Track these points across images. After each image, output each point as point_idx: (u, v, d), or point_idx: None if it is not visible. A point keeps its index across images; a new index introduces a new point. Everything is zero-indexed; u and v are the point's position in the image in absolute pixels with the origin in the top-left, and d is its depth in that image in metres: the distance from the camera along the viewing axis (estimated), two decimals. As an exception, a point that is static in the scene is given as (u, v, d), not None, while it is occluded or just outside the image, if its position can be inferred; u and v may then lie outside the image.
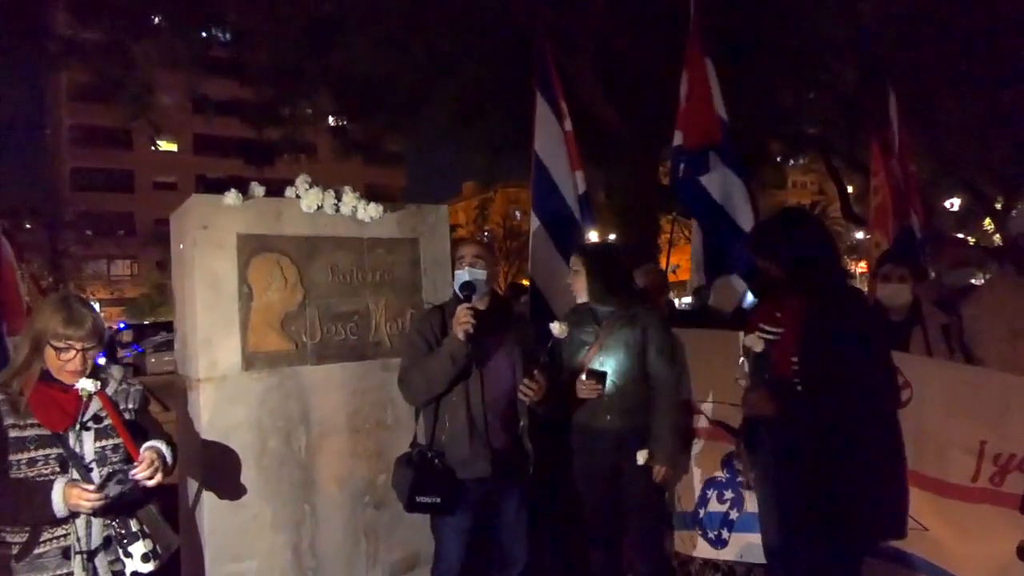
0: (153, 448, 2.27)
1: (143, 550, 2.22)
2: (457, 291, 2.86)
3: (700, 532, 3.63)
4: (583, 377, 3.19)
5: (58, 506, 2.09)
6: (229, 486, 2.95)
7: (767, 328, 2.65)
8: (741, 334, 2.83)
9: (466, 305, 2.75)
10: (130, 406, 2.40)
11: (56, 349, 2.21)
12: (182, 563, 3.00)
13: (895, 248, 4.83)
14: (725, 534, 3.55)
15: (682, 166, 4.63)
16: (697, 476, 3.62)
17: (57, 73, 20.90)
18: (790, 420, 2.54)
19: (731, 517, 3.53)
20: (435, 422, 2.84)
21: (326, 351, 3.23)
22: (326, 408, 3.21)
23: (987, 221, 21.74)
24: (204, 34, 8.19)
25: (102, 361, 2.43)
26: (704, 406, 3.59)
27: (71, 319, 2.22)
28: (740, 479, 3.34)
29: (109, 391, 2.35)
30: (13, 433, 2.17)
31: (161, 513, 2.39)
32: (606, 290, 3.27)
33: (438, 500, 2.75)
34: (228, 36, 8.48)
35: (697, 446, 3.62)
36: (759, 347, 2.61)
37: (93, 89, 8.80)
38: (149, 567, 2.23)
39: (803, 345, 2.50)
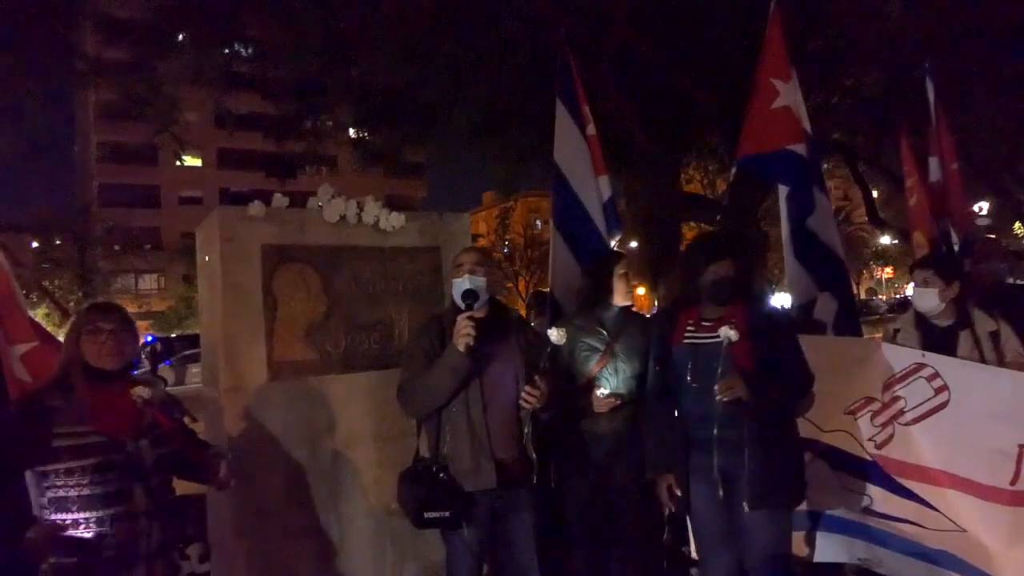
0: (222, 455, 2.42)
1: (199, 550, 2.30)
2: (458, 300, 2.77)
3: None
4: (598, 394, 3.18)
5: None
6: (257, 494, 2.97)
7: (700, 332, 2.90)
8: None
9: (466, 315, 2.68)
10: (176, 415, 2.47)
11: (90, 333, 2.31)
12: (211, 571, 3.01)
13: (931, 252, 4.71)
14: None
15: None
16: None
17: (85, 91, 21.35)
18: (757, 404, 2.78)
19: None
20: (437, 434, 2.81)
21: (351, 360, 3.25)
22: (351, 417, 3.23)
23: (1016, 225, 21.39)
24: (226, 50, 8.29)
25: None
26: None
27: (96, 307, 2.42)
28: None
29: (156, 400, 2.41)
30: (69, 441, 2.21)
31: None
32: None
33: (446, 515, 2.70)
34: (250, 51, 8.58)
35: None
36: (735, 336, 2.78)
37: (119, 107, 8.94)
38: (206, 567, 2.31)
39: (757, 340, 2.81)
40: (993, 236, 6.47)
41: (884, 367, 3.15)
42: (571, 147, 4.39)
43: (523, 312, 5.73)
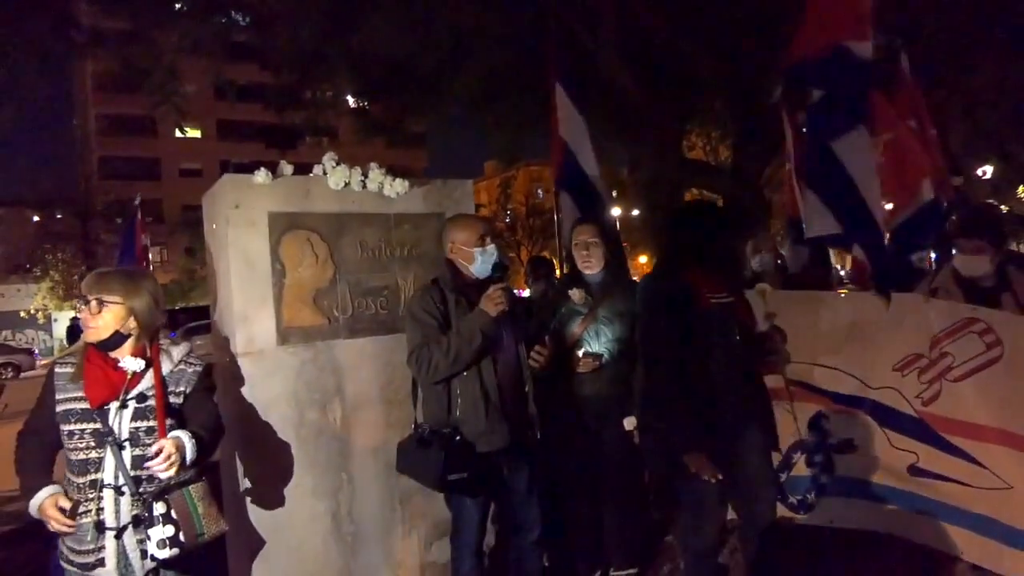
0: (173, 440, 2.23)
1: (161, 535, 2.17)
2: (487, 271, 2.91)
3: (779, 497, 3.46)
4: (580, 355, 3.28)
5: (32, 510, 2.18)
6: (269, 457, 3.05)
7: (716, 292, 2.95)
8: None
9: (502, 286, 2.82)
10: (181, 389, 2.37)
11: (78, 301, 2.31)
12: (227, 533, 3.09)
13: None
14: (811, 498, 3.48)
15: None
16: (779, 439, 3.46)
17: (83, 63, 21.15)
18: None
19: (822, 481, 3.46)
20: (448, 399, 2.87)
21: (358, 325, 3.30)
22: (360, 380, 3.29)
23: (1021, 189, 21.26)
24: (224, 19, 8.21)
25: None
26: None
27: (89, 276, 2.34)
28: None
29: (164, 370, 2.35)
30: (63, 406, 2.24)
31: (209, 495, 2.34)
32: (615, 260, 3.45)
33: (465, 476, 2.78)
34: (248, 20, 8.48)
35: (776, 409, 3.24)
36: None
37: (118, 78, 8.86)
38: (165, 553, 2.17)
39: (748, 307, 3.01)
40: (992, 202, 6.43)
41: (932, 322, 3.10)
42: (574, 127, 4.90)
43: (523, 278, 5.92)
